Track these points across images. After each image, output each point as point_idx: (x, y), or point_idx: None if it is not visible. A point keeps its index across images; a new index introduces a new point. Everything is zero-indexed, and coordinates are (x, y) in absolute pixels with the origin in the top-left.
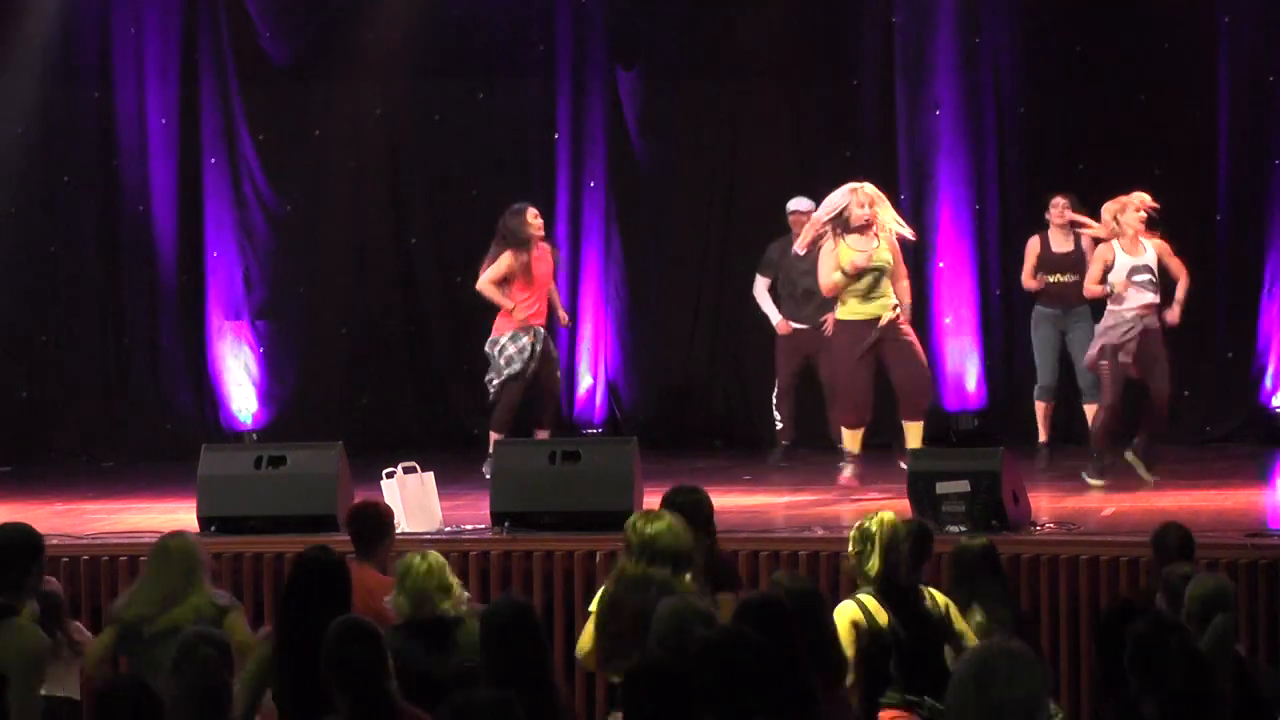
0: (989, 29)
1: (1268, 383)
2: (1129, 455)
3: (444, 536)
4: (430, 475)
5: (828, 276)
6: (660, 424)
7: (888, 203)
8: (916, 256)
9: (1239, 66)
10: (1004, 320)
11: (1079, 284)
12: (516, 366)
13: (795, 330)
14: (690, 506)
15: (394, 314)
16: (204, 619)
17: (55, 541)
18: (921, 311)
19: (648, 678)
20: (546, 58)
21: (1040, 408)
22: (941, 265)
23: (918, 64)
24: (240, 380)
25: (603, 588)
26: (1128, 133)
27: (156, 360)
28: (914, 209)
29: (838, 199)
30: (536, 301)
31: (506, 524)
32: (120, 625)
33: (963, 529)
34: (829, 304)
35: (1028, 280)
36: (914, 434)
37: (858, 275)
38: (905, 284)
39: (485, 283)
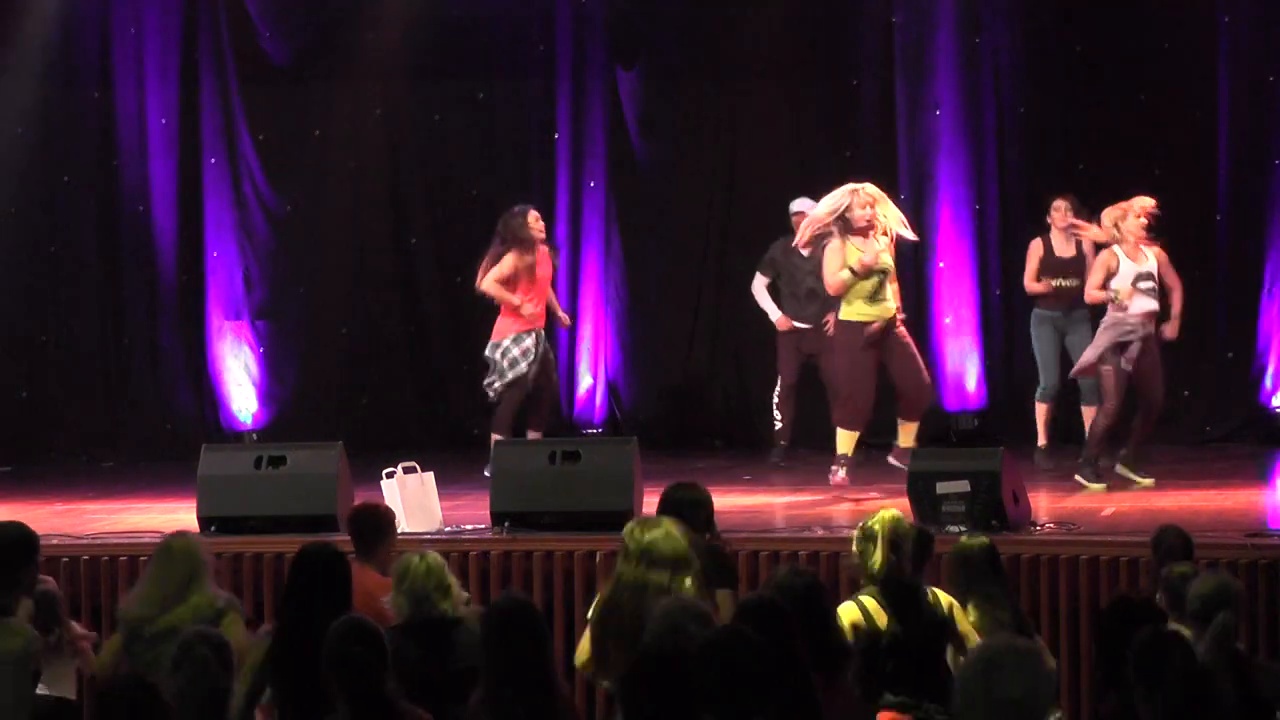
0: (989, 29)
1: (1268, 383)
2: (1119, 467)
3: (444, 536)
4: (430, 475)
5: (834, 275)
6: (660, 424)
7: (890, 202)
8: (916, 256)
9: (1239, 66)
10: (1004, 320)
11: (1080, 288)
12: (521, 368)
13: (797, 329)
14: (689, 503)
15: (394, 314)
16: (203, 619)
17: (55, 541)
18: (921, 311)
19: (646, 677)
20: (546, 58)
21: (1041, 410)
22: (941, 265)
23: (918, 64)
24: (240, 380)
25: (599, 595)
26: (1128, 133)
27: (156, 360)
28: (914, 209)
29: (838, 198)
30: (538, 303)
31: (506, 524)
32: (124, 626)
33: (963, 529)
34: (832, 304)
35: (1031, 284)
36: (908, 433)
37: (866, 274)
38: (896, 286)
39: (490, 282)
